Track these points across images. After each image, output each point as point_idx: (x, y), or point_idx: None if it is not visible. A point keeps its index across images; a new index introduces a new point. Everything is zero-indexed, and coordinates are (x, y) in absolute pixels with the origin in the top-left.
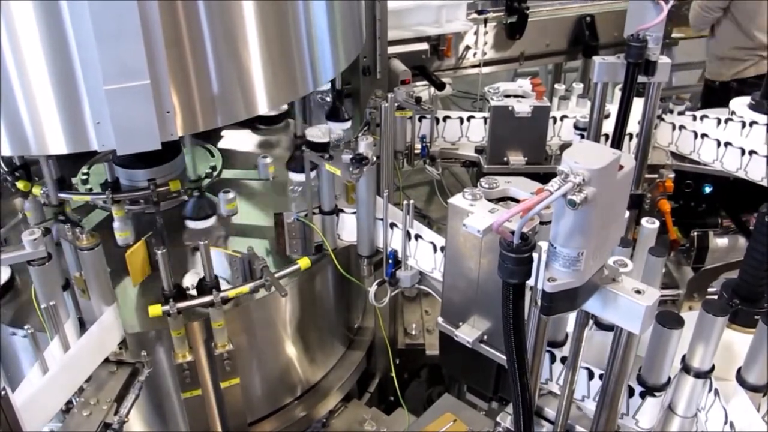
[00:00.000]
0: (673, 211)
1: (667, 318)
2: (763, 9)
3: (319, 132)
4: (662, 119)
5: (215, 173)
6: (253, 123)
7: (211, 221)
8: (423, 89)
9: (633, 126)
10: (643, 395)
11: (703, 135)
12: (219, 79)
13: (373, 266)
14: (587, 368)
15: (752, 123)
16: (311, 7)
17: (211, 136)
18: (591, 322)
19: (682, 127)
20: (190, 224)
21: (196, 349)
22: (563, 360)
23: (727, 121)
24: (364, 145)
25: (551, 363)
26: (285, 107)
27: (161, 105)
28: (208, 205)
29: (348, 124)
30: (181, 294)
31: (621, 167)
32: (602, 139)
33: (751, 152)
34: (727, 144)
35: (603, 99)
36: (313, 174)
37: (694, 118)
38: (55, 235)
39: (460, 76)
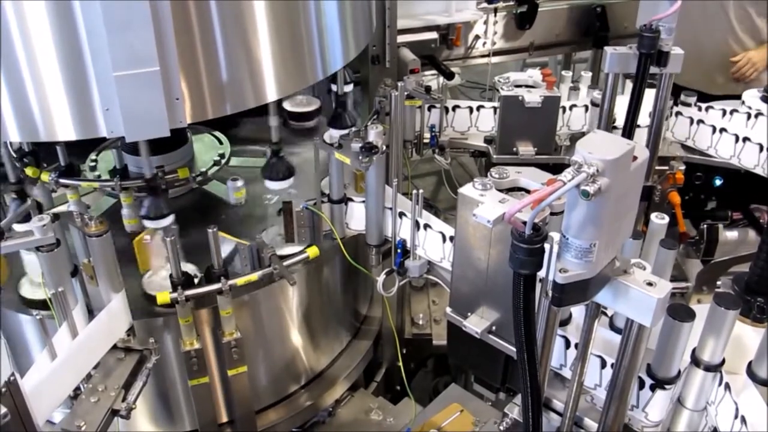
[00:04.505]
0: (683, 204)
1: (678, 310)
2: None
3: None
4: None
5: (223, 161)
6: (285, 118)
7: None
8: (432, 78)
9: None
10: (653, 388)
11: (722, 129)
12: (228, 67)
13: (381, 256)
14: (599, 356)
15: (758, 114)
16: None
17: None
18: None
19: (700, 121)
20: (148, 224)
21: (204, 337)
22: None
23: (732, 112)
24: (374, 134)
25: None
26: (318, 104)
27: (170, 92)
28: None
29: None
30: (189, 282)
31: (635, 158)
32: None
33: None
34: (745, 139)
35: (614, 90)
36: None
37: (699, 108)
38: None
39: (469, 66)
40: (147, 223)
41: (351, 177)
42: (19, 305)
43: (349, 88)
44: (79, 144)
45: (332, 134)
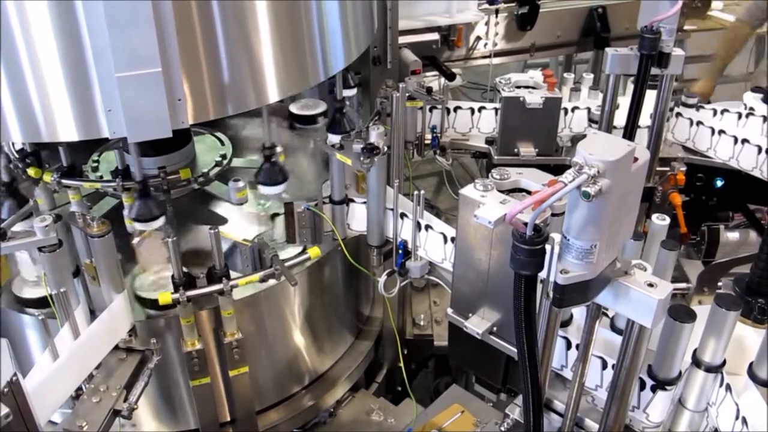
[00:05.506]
0: (684, 205)
1: (679, 311)
2: None
3: None
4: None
5: (225, 162)
6: (291, 122)
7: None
8: (433, 79)
9: (644, 119)
10: (653, 389)
11: (699, 122)
12: (230, 68)
13: (383, 256)
14: (600, 357)
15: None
16: None
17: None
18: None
19: (699, 122)
20: (263, 189)
21: (205, 338)
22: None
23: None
24: (375, 135)
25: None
26: (324, 106)
27: (172, 93)
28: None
29: None
30: (190, 282)
31: (636, 159)
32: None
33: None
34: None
35: (615, 91)
36: None
37: (697, 108)
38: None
39: (470, 67)
40: (263, 189)
41: (352, 178)
42: (19, 305)
43: (352, 92)
44: (80, 144)
45: (331, 139)
